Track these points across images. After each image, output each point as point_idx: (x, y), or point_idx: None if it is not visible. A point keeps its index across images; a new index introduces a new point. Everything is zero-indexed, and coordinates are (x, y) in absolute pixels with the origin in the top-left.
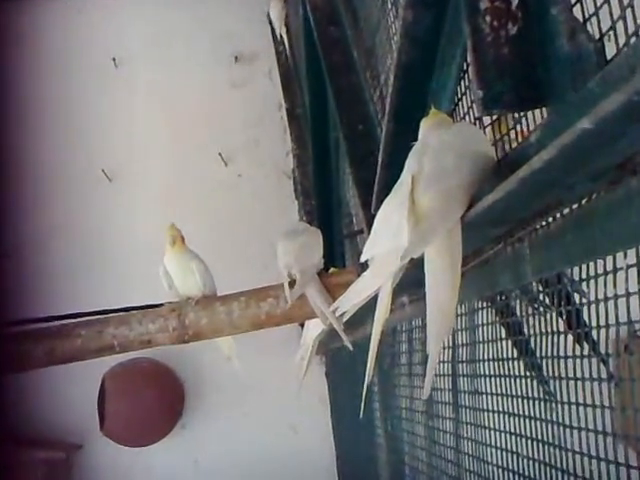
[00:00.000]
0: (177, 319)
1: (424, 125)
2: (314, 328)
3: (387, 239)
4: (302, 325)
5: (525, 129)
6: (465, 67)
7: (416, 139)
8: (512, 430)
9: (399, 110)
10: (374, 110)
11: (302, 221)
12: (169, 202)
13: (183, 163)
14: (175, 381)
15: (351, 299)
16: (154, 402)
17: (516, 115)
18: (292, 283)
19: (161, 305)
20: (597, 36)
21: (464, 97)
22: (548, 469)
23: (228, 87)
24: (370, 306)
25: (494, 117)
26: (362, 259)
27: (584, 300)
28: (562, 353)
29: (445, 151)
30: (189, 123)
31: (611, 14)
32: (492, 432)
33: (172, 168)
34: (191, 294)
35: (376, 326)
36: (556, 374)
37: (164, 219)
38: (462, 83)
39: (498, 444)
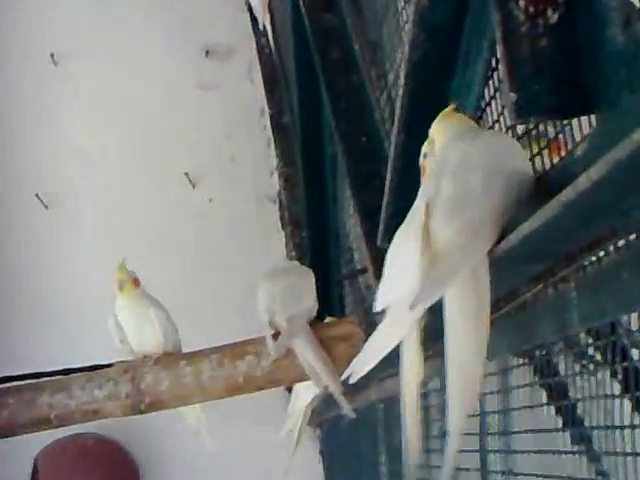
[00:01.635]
0: (131, 383)
1: (440, 131)
2: (305, 393)
3: (403, 283)
4: (290, 390)
5: (569, 141)
6: (494, 64)
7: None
8: None
9: (412, 118)
10: (380, 118)
11: (290, 258)
12: (121, 235)
13: (139, 185)
14: (127, 463)
15: (368, 360)
16: None
17: (557, 124)
18: (277, 335)
19: (110, 365)
20: None
21: (493, 101)
22: None
23: (196, 89)
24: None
25: (530, 126)
26: (376, 308)
27: None
28: (617, 422)
29: (469, 169)
30: (147, 135)
31: None
32: None
33: (125, 192)
34: (149, 351)
35: (408, 393)
36: (610, 448)
37: (115, 256)
38: (490, 84)
39: None
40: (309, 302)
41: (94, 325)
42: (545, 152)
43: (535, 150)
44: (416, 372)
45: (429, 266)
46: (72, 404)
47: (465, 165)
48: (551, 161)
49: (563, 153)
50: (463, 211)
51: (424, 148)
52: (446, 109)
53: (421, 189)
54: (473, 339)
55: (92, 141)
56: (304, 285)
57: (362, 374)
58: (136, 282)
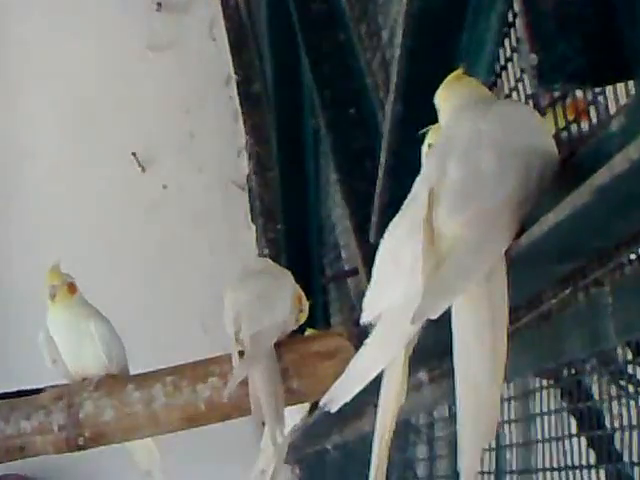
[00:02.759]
0: (66, 412)
1: (446, 100)
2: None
3: (398, 288)
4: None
5: (602, 112)
6: (511, 18)
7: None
8: None
9: (411, 85)
10: (372, 85)
11: (262, 256)
12: (55, 231)
13: (77, 169)
14: None
15: (353, 384)
16: None
17: (589, 92)
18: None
19: (41, 390)
20: None
21: (509, 64)
22: None
23: (146, 50)
24: (371, 387)
25: (556, 95)
26: (364, 319)
27: None
28: None
29: (480, 147)
30: (85, 107)
31: None
32: None
33: (60, 177)
34: (88, 372)
35: (382, 420)
36: None
37: (47, 257)
38: (506, 43)
39: None
40: (283, 312)
41: (21, 341)
42: (573, 126)
43: (561, 124)
44: (396, 397)
45: (433, 269)
46: None
47: (476, 143)
48: (581, 138)
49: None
50: (474, 200)
51: (429, 137)
52: (454, 73)
53: (422, 172)
54: (488, 357)
55: (20, 115)
56: (278, 290)
57: (345, 401)
58: (72, 288)
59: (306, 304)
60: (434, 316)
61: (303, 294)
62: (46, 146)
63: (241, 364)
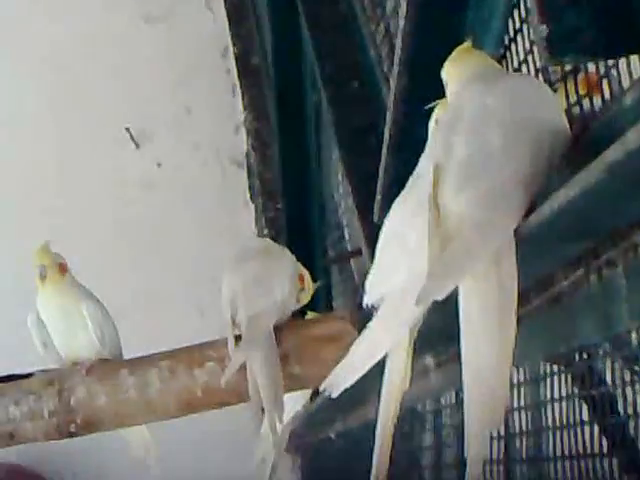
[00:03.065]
0: (57, 398)
1: (454, 73)
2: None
3: (402, 268)
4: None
5: (615, 86)
6: None
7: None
8: None
9: (416, 57)
10: (376, 57)
11: (262, 237)
12: (44, 209)
13: (67, 146)
14: None
15: (354, 369)
16: None
17: (602, 65)
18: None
19: (31, 375)
20: None
21: (519, 36)
22: None
23: (140, 21)
24: (375, 373)
25: (567, 68)
26: (366, 301)
27: None
28: None
29: (489, 123)
30: (77, 81)
31: None
32: None
33: (49, 154)
34: (80, 356)
35: (385, 407)
36: None
37: (36, 237)
38: (516, 14)
39: None
40: (282, 293)
41: (10, 325)
42: (586, 101)
43: (573, 99)
44: (400, 383)
45: (439, 249)
46: None
47: (483, 118)
48: (593, 112)
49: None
50: (481, 178)
51: (437, 112)
52: (461, 45)
53: (427, 148)
54: (496, 341)
55: (4, 90)
56: (276, 270)
57: (346, 386)
58: (62, 269)
59: (310, 283)
60: (439, 298)
61: (307, 274)
62: (34, 120)
63: (238, 349)
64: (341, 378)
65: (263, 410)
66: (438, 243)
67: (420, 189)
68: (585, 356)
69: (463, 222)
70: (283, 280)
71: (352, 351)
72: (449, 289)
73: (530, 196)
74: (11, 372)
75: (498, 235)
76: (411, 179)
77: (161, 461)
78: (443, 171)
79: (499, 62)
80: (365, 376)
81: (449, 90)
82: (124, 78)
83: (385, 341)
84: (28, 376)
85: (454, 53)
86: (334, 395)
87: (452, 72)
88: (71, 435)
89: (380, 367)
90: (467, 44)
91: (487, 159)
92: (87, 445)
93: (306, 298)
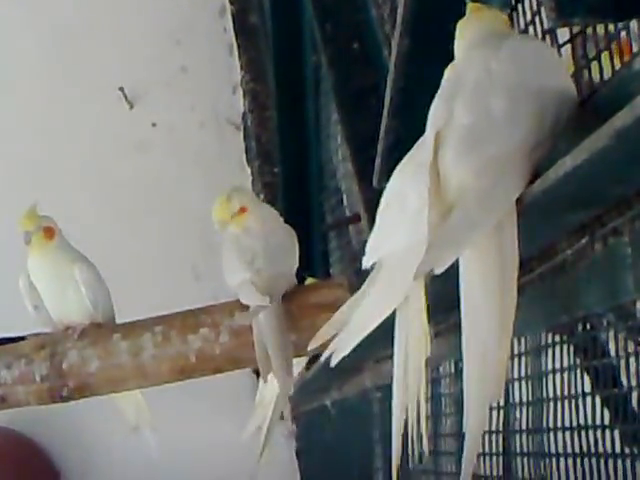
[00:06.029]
0: (49, 362)
1: (460, 34)
2: None
3: (402, 232)
4: (258, 373)
5: (625, 50)
6: None
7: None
8: None
9: (419, 17)
10: (378, 18)
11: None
12: (36, 170)
13: (60, 106)
14: (45, 467)
15: (354, 334)
16: None
17: (611, 27)
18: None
19: (22, 338)
20: None
21: None
22: None
23: None
24: (371, 340)
25: (575, 30)
26: (365, 264)
27: None
28: None
29: (491, 88)
30: (68, 38)
31: None
32: None
33: (41, 114)
34: (72, 320)
35: (400, 375)
36: None
37: (27, 198)
38: None
39: None
40: (294, 265)
41: (1, 287)
42: (594, 64)
43: (581, 62)
44: (421, 348)
45: (440, 218)
46: None
47: (486, 83)
48: (601, 77)
49: (618, 65)
50: (483, 146)
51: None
52: (471, 4)
53: (430, 115)
54: (497, 310)
55: (1, 48)
56: (289, 242)
57: (345, 353)
58: (49, 232)
59: None
60: (440, 270)
61: None
62: (26, 79)
63: (255, 308)
64: (342, 344)
65: (257, 375)
66: (438, 213)
67: (422, 156)
68: (588, 326)
69: (464, 191)
70: (294, 253)
71: (355, 317)
72: (450, 261)
73: (534, 164)
74: (2, 335)
75: (500, 205)
76: (415, 147)
77: (153, 427)
78: (444, 138)
79: None
80: (360, 344)
81: (456, 52)
82: (117, 36)
83: (386, 304)
84: (20, 339)
85: (469, 11)
86: (334, 362)
87: (459, 33)
88: (63, 400)
89: (374, 334)
90: (475, 5)
91: (489, 127)
92: (79, 409)
93: None
